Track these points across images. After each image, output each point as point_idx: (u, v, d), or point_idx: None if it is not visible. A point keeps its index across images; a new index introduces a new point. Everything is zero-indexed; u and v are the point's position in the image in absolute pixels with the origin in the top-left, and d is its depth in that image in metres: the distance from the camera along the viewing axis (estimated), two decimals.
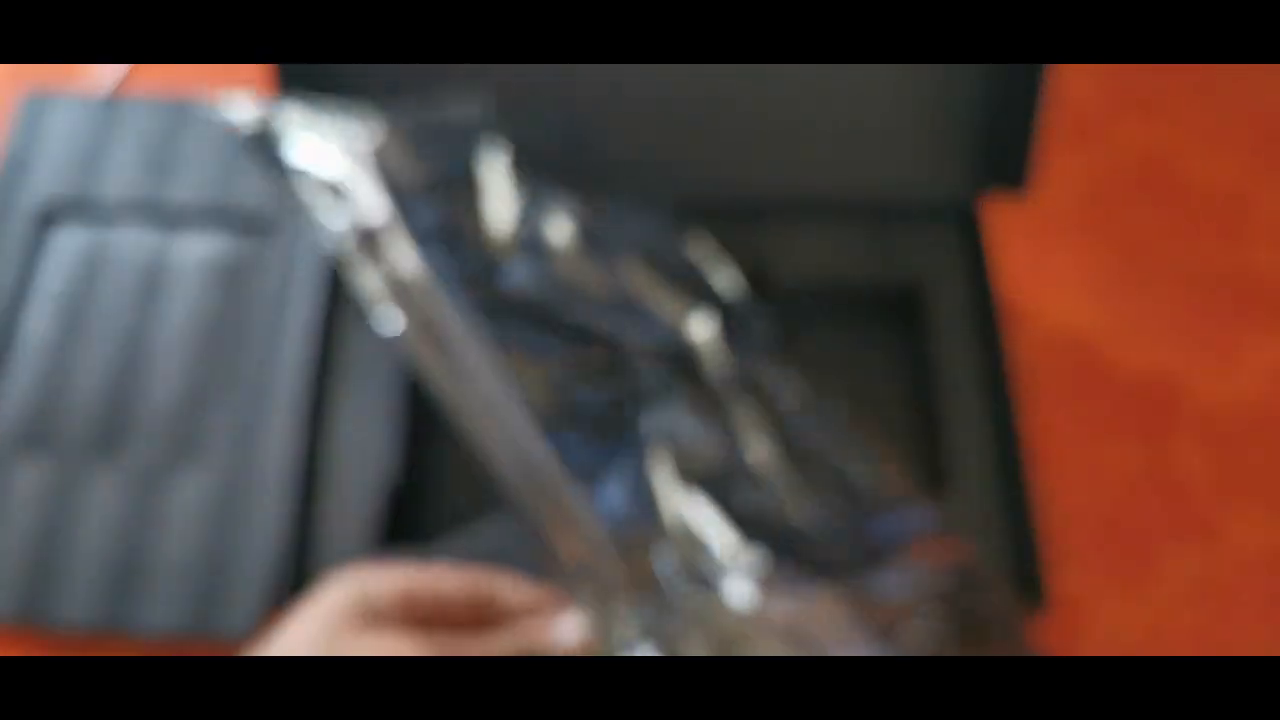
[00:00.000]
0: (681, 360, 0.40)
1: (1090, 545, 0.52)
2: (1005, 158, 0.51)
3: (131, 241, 0.58)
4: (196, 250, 0.58)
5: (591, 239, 0.42)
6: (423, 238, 0.38)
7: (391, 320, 0.37)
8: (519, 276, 0.40)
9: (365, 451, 0.48)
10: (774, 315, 0.45)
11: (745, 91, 0.51)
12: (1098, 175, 0.63)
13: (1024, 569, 0.46)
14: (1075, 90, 0.65)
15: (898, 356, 0.54)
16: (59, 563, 0.49)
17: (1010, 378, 0.49)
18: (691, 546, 0.34)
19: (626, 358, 0.39)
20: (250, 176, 0.59)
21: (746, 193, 0.53)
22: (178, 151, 0.60)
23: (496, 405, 0.36)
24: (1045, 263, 0.60)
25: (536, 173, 0.43)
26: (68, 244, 0.57)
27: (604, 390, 0.38)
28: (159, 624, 0.48)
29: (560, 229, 0.42)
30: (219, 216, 0.58)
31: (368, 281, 0.37)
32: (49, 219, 0.58)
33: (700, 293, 0.42)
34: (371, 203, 0.39)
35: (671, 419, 0.37)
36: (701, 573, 0.34)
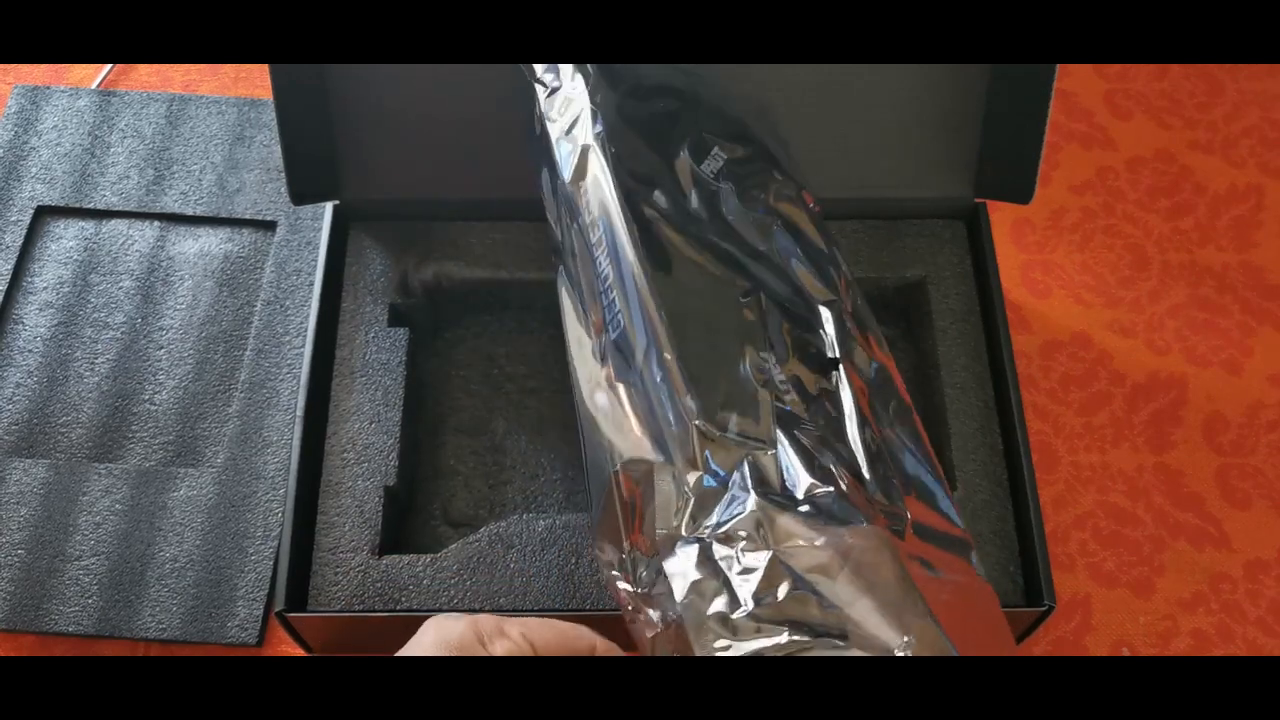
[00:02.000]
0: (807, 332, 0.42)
1: (1095, 546, 0.52)
2: (1009, 172, 0.51)
3: (129, 238, 0.57)
4: (195, 248, 0.57)
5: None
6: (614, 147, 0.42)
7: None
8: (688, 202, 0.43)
9: (365, 451, 0.48)
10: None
11: (754, 94, 0.51)
12: (1105, 174, 0.62)
13: (1028, 570, 0.46)
14: (1083, 89, 0.65)
15: (901, 356, 0.54)
16: (55, 569, 0.49)
17: (1013, 377, 0.49)
18: (769, 465, 0.36)
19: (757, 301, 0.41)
20: (251, 173, 0.59)
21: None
22: (176, 147, 0.60)
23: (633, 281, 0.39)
24: (1050, 262, 0.60)
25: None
26: (63, 241, 0.57)
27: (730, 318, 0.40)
28: (157, 629, 0.48)
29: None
30: (218, 214, 0.58)
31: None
32: (43, 214, 0.58)
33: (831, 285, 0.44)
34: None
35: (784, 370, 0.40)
36: (773, 486, 0.36)
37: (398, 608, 0.45)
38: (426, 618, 0.36)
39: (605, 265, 0.40)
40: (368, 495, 0.47)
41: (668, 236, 0.41)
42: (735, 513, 0.34)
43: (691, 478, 0.35)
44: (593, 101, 0.43)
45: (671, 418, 0.37)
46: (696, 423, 0.36)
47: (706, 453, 0.36)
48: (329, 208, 0.52)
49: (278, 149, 0.49)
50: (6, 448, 0.52)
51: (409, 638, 0.35)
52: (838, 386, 0.40)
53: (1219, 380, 0.57)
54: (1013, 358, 0.50)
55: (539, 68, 0.45)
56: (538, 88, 0.44)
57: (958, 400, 0.50)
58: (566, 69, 0.44)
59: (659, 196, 0.42)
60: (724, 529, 0.34)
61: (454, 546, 0.46)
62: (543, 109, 0.44)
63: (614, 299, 0.39)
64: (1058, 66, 0.48)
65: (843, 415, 0.39)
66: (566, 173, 0.41)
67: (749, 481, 0.35)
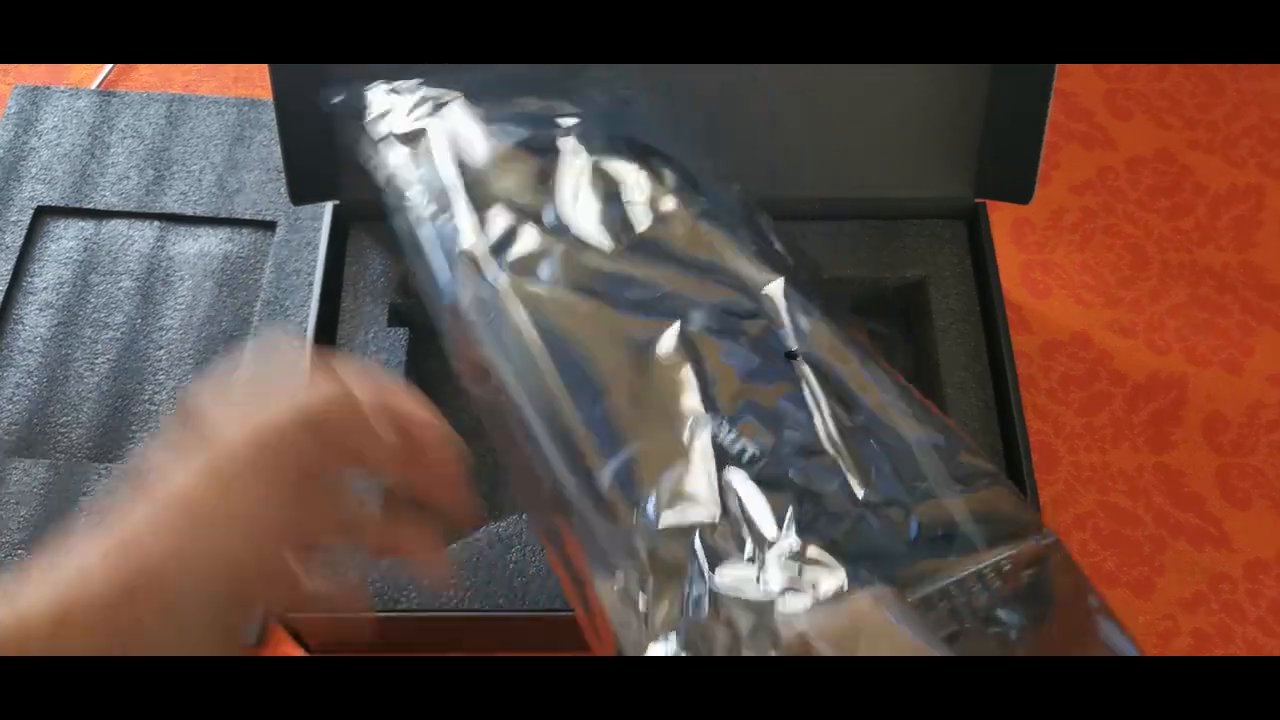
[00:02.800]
0: (749, 321, 0.38)
1: (1095, 546, 0.52)
2: (1009, 172, 0.51)
3: (128, 239, 0.57)
4: (195, 248, 0.57)
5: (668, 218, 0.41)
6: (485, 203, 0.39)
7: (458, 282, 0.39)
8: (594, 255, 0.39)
9: None
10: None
11: (754, 94, 0.51)
12: (1105, 174, 0.62)
13: None
14: (1083, 89, 0.65)
15: (901, 355, 0.54)
16: None
17: (1013, 378, 0.49)
18: (735, 526, 0.32)
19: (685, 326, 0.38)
20: (251, 173, 0.59)
21: (753, 193, 0.53)
22: (176, 147, 0.60)
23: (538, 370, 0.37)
24: (1050, 262, 0.60)
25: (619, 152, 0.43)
26: (63, 241, 0.57)
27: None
28: None
29: (642, 206, 0.41)
30: (218, 215, 0.58)
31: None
32: (43, 214, 0.58)
33: (776, 265, 0.40)
34: (445, 170, 0.41)
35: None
36: (733, 559, 0.32)
37: (398, 608, 0.45)
38: (428, 618, 0.36)
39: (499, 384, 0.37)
40: (367, 495, 0.47)
41: (561, 300, 0.37)
42: (694, 611, 0.31)
43: (635, 580, 0.31)
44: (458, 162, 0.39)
45: (603, 529, 0.33)
46: (633, 522, 0.32)
47: (649, 548, 0.32)
48: (329, 208, 0.52)
49: (278, 149, 0.49)
50: (6, 448, 0.52)
51: (410, 638, 0.35)
52: (800, 379, 0.36)
53: (1219, 380, 0.57)
54: (1013, 358, 0.50)
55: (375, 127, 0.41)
56: (382, 149, 0.41)
57: (958, 400, 0.50)
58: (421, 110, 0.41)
59: (546, 241, 0.38)
60: (684, 636, 0.30)
61: (454, 546, 0.46)
62: (399, 182, 0.41)
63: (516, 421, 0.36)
64: (1057, 66, 0.48)
65: (810, 412, 0.35)
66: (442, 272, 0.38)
67: (703, 567, 0.31)
